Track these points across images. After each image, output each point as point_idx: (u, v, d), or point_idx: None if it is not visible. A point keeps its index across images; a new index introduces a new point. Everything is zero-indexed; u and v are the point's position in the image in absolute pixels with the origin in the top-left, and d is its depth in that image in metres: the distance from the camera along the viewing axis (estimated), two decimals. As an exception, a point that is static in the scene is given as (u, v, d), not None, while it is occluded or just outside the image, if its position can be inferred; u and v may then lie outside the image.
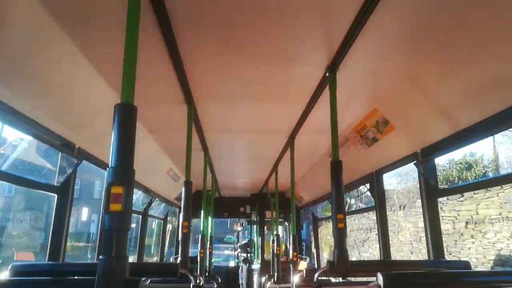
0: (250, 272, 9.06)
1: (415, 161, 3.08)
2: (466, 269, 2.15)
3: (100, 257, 1.28)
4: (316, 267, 6.87)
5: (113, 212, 1.31)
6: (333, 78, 2.60)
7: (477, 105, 2.33)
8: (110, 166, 1.36)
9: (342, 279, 3.09)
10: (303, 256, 8.07)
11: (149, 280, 3.32)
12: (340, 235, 2.31)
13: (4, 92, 1.99)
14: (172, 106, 3.33)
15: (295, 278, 2.97)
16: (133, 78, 1.53)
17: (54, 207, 2.79)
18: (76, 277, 1.35)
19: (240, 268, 9.30)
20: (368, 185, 4.12)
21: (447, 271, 1.94)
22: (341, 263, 2.25)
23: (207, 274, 5.89)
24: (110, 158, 1.37)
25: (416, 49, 2.30)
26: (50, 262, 2.60)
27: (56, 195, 2.80)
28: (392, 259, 4.14)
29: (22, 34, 1.85)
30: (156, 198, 5.81)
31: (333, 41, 2.30)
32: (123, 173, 1.36)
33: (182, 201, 3.20)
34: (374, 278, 1.54)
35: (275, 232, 6.43)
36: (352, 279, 3.23)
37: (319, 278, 2.41)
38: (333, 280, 3.14)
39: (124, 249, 1.32)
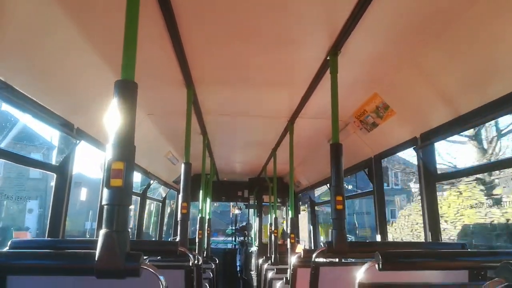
0: (247, 254, 9.17)
1: (414, 146, 3.09)
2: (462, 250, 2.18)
3: (101, 230, 1.28)
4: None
5: (114, 188, 1.31)
6: (335, 61, 2.58)
7: (478, 90, 2.32)
8: (110, 142, 1.36)
9: (340, 260, 3.13)
10: (300, 239, 8.17)
11: (147, 260, 3.36)
12: (339, 216, 2.33)
13: (2, 71, 1.97)
14: (171, 88, 3.30)
15: (293, 259, 3.00)
16: (133, 55, 1.51)
17: (54, 186, 2.80)
18: (76, 251, 1.36)
19: (238, 250, 9.41)
20: (366, 170, 4.14)
21: (444, 251, 1.97)
22: (339, 244, 2.28)
23: (205, 255, 5.97)
24: (110, 134, 1.37)
25: (418, 33, 2.28)
26: (49, 239, 2.62)
27: (55, 174, 2.81)
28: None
29: (20, 13, 1.82)
30: (155, 181, 5.83)
31: (335, 24, 2.27)
32: (124, 149, 1.36)
33: (182, 182, 3.21)
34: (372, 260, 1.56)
35: (273, 216, 6.49)
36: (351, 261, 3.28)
37: (317, 259, 2.44)
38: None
39: (125, 224, 1.32)
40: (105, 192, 1.32)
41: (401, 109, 3.12)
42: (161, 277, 1.28)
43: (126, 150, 1.36)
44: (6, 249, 1.96)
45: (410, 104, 3.00)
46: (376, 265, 1.47)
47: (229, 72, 3.04)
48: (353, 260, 3.07)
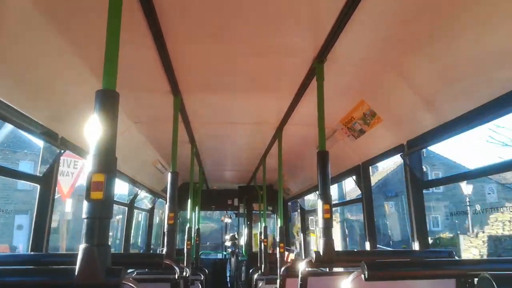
0: (238, 264, 9.09)
1: (401, 153, 3.11)
2: (449, 258, 2.18)
3: (81, 245, 1.25)
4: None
5: (94, 200, 1.28)
6: (321, 69, 2.59)
7: (464, 96, 2.34)
8: (91, 153, 1.33)
9: (329, 269, 3.11)
10: (291, 248, 8.12)
11: (135, 272, 3.29)
12: (326, 225, 2.32)
13: None
14: (158, 96, 3.27)
15: (281, 270, 2.97)
16: (115, 64, 1.49)
17: (37, 198, 2.73)
18: (56, 267, 1.32)
19: (228, 260, 9.32)
20: (354, 177, 4.14)
21: (431, 260, 1.97)
22: (327, 253, 2.26)
23: (194, 265, 5.89)
24: (91, 145, 1.34)
25: (403, 40, 2.30)
26: (32, 253, 2.55)
27: (38, 186, 2.74)
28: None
29: (2, 21, 1.78)
30: (143, 190, 5.75)
31: (320, 32, 2.28)
32: (105, 160, 1.33)
33: (168, 192, 3.17)
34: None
35: (263, 225, 6.45)
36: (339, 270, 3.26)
37: (306, 269, 2.42)
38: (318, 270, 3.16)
39: (106, 238, 1.29)
40: (85, 205, 1.29)
41: (387, 116, 3.14)
42: None
43: (108, 161, 1.33)
44: None
45: (397, 111, 3.02)
46: (362, 275, 1.46)
47: (216, 80, 3.03)
48: (342, 269, 3.05)
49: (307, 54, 2.56)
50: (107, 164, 1.33)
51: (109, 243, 1.32)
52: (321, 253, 2.29)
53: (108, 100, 1.40)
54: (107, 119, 1.37)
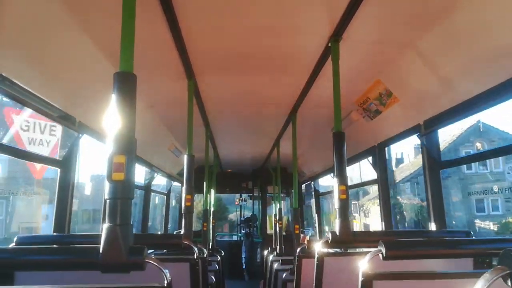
0: (252, 245, 9.21)
1: (418, 133, 3.07)
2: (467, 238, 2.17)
3: (105, 224, 1.28)
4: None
5: (116, 181, 1.30)
6: (336, 48, 2.54)
7: (482, 75, 2.29)
8: (111, 136, 1.35)
9: (345, 250, 3.13)
10: (305, 230, 8.19)
11: (153, 254, 3.38)
12: (342, 205, 2.32)
13: (1, 64, 1.96)
14: (172, 80, 3.28)
15: (297, 250, 3.01)
16: (131, 46, 1.50)
17: (58, 181, 2.81)
18: (81, 246, 1.36)
19: (243, 242, 9.45)
20: (370, 159, 4.12)
21: (448, 239, 1.96)
22: (344, 233, 2.27)
23: (210, 247, 6.00)
24: (110, 128, 1.36)
25: (421, 17, 2.24)
26: (55, 234, 2.64)
27: (58, 169, 2.81)
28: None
29: (19, 6, 1.80)
30: (159, 174, 5.84)
31: (336, 9, 2.23)
32: (125, 142, 1.35)
33: (185, 175, 3.21)
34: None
35: (277, 207, 6.50)
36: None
37: (322, 249, 2.44)
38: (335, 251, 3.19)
39: (128, 217, 1.32)
40: (107, 186, 1.32)
41: (404, 96, 3.09)
42: (166, 270, 1.28)
43: (127, 143, 1.36)
44: (12, 245, 1.98)
45: (414, 90, 2.97)
46: (380, 254, 1.47)
47: (229, 61, 3.02)
48: (357, 250, 3.08)
49: (323, 33, 2.51)
50: (127, 145, 1.35)
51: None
52: (338, 234, 2.30)
53: (126, 82, 1.42)
54: (126, 101, 1.39)
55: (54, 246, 1.49)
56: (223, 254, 6.26)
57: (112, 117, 1.38)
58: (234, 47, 2.74)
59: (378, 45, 2.65)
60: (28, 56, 2.11)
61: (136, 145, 1.39)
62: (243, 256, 9.22)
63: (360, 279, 1.41)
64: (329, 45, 2.59)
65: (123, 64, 1.45)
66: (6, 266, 1.40)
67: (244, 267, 9.14)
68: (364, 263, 1.45)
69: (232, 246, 9.43)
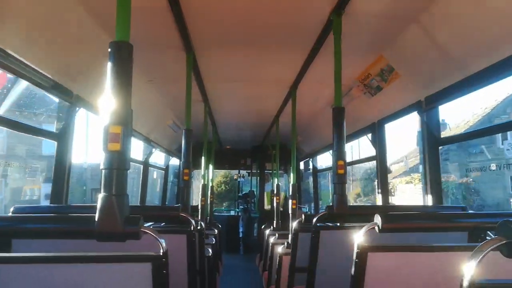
0: (249, 221, 9.34)
1: (418, 110, 3.04)
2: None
3: (100, 194, 1.28)
4: None
5: (112, 152, 1.29)
6: (338, 22, 2.48)
7: (485, 50, 2.24)
8: (107, 105, 1.33)
9: (340, 225, 3.16)
10: (302, 206, 8.28)
11: (151, 226, 3.41)
12: (340, 180, 2.33)
13: None
14: (171, 54, 3.22)
15: (294, 224, 3.03)
16: (127, 15, 1.45)
17: (55, 153, 2.80)
18: (77, 215, 1.36)
19: (241, 217, 9.58)
20: (370, 136, 4.11)
21: (444, 212, 1.97)
22: (340, 208, 2.28)
23: (208, 221, 6.08)
24: (106, 98, 1.33)
25: None
26: (52, 205, 2.65)
27: (56, 142, 2.79)
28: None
29: None
30: (157, 149, 5.84)
31: None
32: (121, 112, 1.33)
33: (183, 149, 3.20)
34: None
35: (275, 183, 6.54)
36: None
37: (318, 224, 2.46)
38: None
39: (124, 188, 1.31)
40: (103, 156, 1.30)
41: (406, 71, 3.05)
42: (162, 240, 1.28)
43: (123, 114, 1.33)
44: (9, 214, 1.98)
45: (416, 66, 2.92)
46: (376, 227, 1.47)
47: (229, 35, 2.95)
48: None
49: (324, 6, 2.44)
50: (123, 116, 1.33)
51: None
52: (334, 208, 2.31)
53: (122, 52, 1.38)
54: (122, 71, 1.36)
55: (51, 214, 1.49)
56: (220, 227, 6.34)
57: (108, 87, 1.35)
58: (234, 20, 2.67)
59: (381, 19, 2.58)
60: (24, 27, 2.05)
61: (132, 116, 1.37)
62: (240, 230, 9.35)
63: (356, 251, 1.42)
64: (331, 18, 2.52)
65: (119, 34, 1.41)
66: (3, 233, 1.41)
67: (241, 241, 9.30)
68: (359, 236, 1.45)
69: (229, 221, 9.56)
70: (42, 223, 1.38)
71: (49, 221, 1.39)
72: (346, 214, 2.34)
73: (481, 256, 0.95)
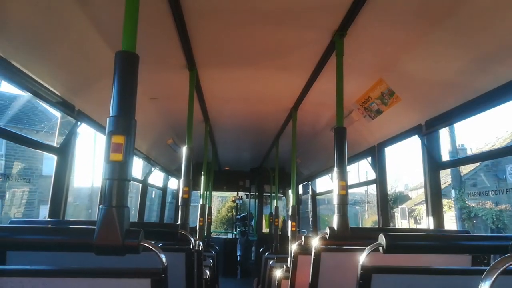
0: (248, 244, 9.19)
1: (419, 133, 3.05)
2: None
3: (100, 206, 1.25)
4: None
5: (114, 162, 1.27)
6: (340, 44, 2.52)
7: (485, 75, 2.28)
8: (110, 115, 1.32)
9: (342, 246, 3.11)
10: (301, 230, 8.17)
11: None
12: (341, 201, 2.31)
13: (3, 47, 1.93)
14: (174, 71, 3.26)
15: (294, 247, 2.98)
16: (135, 27, 1.47)
17: (54, 168, 2.77)
18: (75, 227, 1.33)
19: (238, 240, 9.43)
20: (369, 159, 4.10)
21: (448, 234, 1.94)
22: (342, 229, 2.25)
23: (205, 243, 5.97)
24: (111, 107, 1.33)
25: (425, 16, 2.22)
26: (49, 219, 2.61)
27: (56, 156, 2.78)
28: None
29: None
30: (156, 168, 5.81)
31: (341, 4, 2.21)
32: (124, 122, 1.32)
33: (183, 167, 3.19)
34: None
35: (274, 205, 6.48)
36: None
37: (320, 246, 2.42)
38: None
39: (125, 199, 1.29)
40: (105, 166, 1.29)
41: (406, 95, 3.07)
42: (162, 255, 1.25)
43: (127, 123, 1.32)
44: None
45: (416, 90, 2.95)
46: (380, 248, 1.44)
47: (232, 54, 2.99)
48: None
49: (327, 28, 2.49)
50: (127, 126, 1.32)
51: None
52: (336, 229, 2.28)
53: (128, 61, 1.39)
54: (127, 81, 1.36)
55: (48, 226, 1.46)
56: (218, 249, 6.23)
57: (112, 96, 1.35)
58: (237, 39, 2.72)
59: (382, 42, 2.63)
60: (28, 39, 2.08)
61: (136, 127, 1.36)
62: (238, 254, 9.19)
63: (359, 272, 1.39)
64: (334, 40, 2.57)
65: (126, 44, 1.42)
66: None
67: (238, 265, 9.12)
68: (363, 256, 1.43)
69: (227, 243, 9.40)
70: (39, 235, 1.35)
71: (46, 232, 1.35)
72: (348, 236, 2.31)
73: (496, 274, 0.93)
